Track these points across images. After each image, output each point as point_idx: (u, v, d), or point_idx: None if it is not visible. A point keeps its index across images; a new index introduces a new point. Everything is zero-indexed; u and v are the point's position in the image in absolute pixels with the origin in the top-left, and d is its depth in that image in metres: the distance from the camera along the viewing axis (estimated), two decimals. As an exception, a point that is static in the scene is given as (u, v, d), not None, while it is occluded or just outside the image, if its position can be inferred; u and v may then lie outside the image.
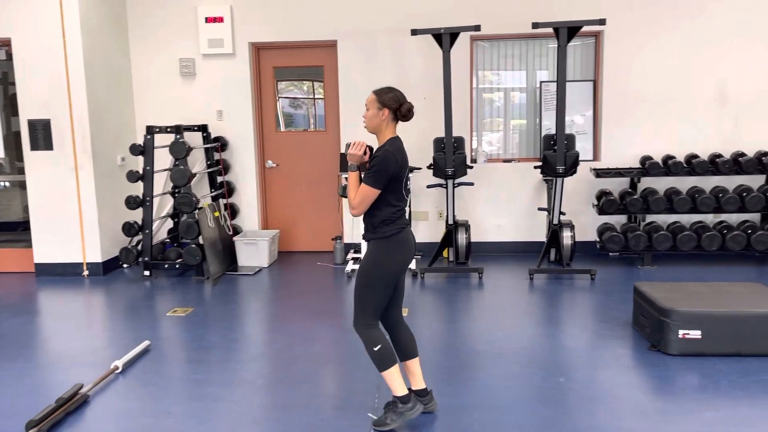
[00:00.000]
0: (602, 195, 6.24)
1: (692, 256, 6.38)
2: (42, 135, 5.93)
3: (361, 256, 6.13)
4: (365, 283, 2.91)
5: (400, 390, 2.96)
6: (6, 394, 3.47)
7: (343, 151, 6.56)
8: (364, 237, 2.96)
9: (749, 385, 3.39)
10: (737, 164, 6.05)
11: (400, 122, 2.97)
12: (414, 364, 3.12)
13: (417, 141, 6.51)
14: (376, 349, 2.90)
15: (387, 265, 2.89)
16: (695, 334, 3.73)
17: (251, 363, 3.85)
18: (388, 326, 3.12)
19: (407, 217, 2.96)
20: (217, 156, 6.67)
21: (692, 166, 6.06)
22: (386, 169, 2.79)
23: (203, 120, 6.72)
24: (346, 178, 2.86)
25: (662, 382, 3.46)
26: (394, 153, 2.82)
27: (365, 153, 2.90)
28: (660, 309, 3.83)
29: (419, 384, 3.12)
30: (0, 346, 4.23)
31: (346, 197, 2.92)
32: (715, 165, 6.07)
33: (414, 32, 5.70)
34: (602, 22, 5.38)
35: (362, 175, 2.87)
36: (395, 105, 2.89)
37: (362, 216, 2.93)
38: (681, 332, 3.74)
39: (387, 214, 2.87)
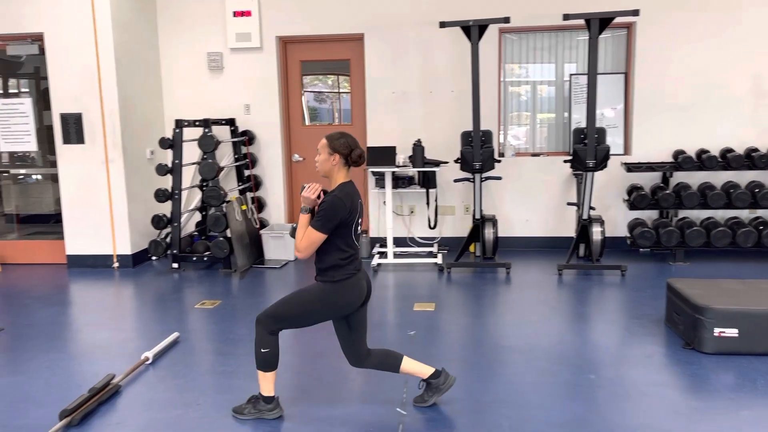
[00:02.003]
0: (633, 190, 6.12)
1: (726, 253, 6.24)
2: (74, 129, 6.02)
3: (387, 250, 6.12)
4: (297, 304, 2.93)
5: (267, 391, 3.04)
6: (39, 384, 3.53)
7: (369, 145, 6.54)
8: (315, 278, 2.99)
9: (788, 385, 3.30)
10: (774, 158, 5.89)
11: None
12: (407, 364, 3.10)
13: (445, 134, 6.46)
14: (263, 350, 2.96)
15: (327, 308, 2.92)
16: (732, 332, 3.64)
17: (284, 356, 3.85)
18: (359, 362, 3.10)
19: (359, 261, 2.97)
20: (244, 150, 6.71)
21: (727, 160, 5.91)
22: (334, 215, 2.81)
23: (231, 114, 6.76)
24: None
25: (697, 380, 3.38)
26: (342, 199, 2.84)
27: (319, 197, 2.93)
28: (695, 306, 3.74)
29: (427, 372, 3.11)
30: (33, 337, 4.31)
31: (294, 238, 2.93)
32: (751, 159, 5.91)
33: (442, 25, 5.65)
34: (636, 12, 5.26)
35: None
36: (346, 151, 2.92)
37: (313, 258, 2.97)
38: (717, 330, 3.65)
39: (335, 260, 2.89)
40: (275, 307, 2.95)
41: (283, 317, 2.94)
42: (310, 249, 2.85)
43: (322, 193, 2.94)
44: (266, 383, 3.03)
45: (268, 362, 2.98)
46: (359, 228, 2.99)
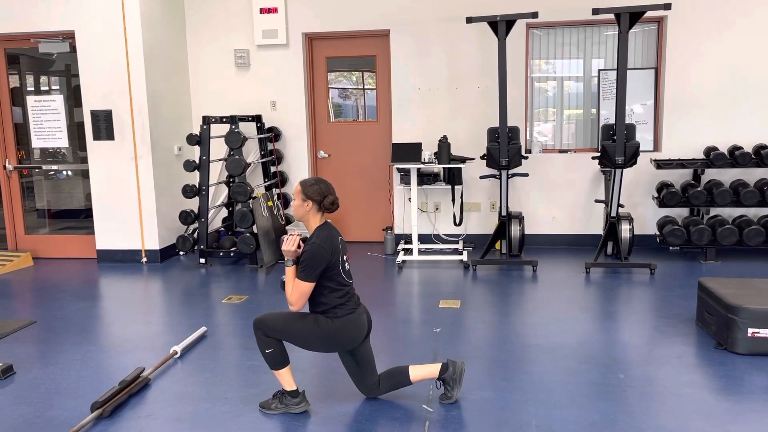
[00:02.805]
0: (663, 187, 6.02)
1: (760, 252, 6.10)
2: (104, 125, 6.11)
3: (412, 247, 6.11)
4: (291, 330, 2.92)
5: (289, 386, 3.05)
6: (72, 376, 3.60)
7: (395, 141, 6.53)
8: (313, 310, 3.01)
9: (825, 387, 3.21)
10: (810, 155, 5.74)
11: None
12: (416, 373, 3.11)
13: (470, 130, 6.42)
14: (267, 351, 2.97)
15: (334, 340, 2.93)
16: (766, 332, 3.56)
17: (305, 352, 3.87)
18: (370, 392, 3.14)
19: (356, 296, 3.03)
20: (270, 146, 6.74)
21: (761, 157, 5.77)
22: (316, 263, 2.84)
23: (257, 110, 6.80)
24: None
25: (729, 381, 3.32)
26: (321, 245, 2.86)
27: (299, 246, 2.94)
28: (727, 306, 3.67)
29: (436, 371, 3.11)
30: (65, 330, 4.40)
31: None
32: (785, 156, 5.77)
33: (469, 20, 5.60)
34: (667, 6, 5.16)
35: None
36: (318, 198, 2.96)
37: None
38: (750, 330, 3.57)
39: (333, 300, 2.92)
40: (273, 316, 2.96)
41: (278, 327, 2.94)
42: (302, 300, 2.89)
43: (300, 242, 2.97)
44: (284, 379, 3.05)
45: (276, 361, 3.00)
46: (347, 264, 3.01)
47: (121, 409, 3.17)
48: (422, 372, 3.12)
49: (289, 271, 2.94)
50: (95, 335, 4.27)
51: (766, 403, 3.06)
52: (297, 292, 2.88)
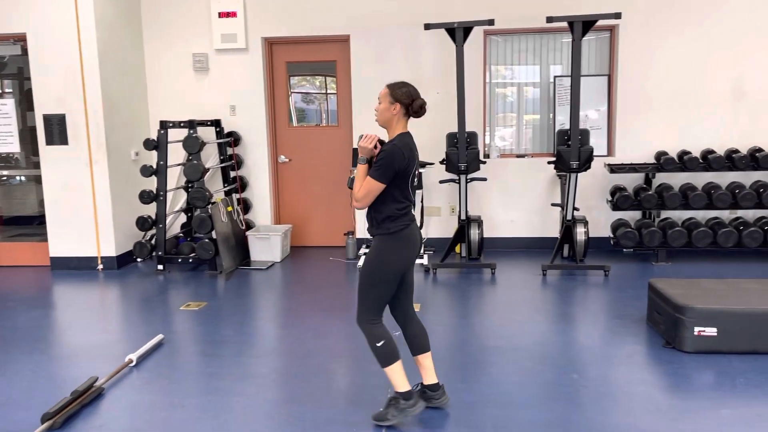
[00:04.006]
0: (616, 191, 6.19)
1: (708, 253, 6.32)
2: (57, 130, 5.97)
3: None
4: (368, 279, 2.90)
5: (403, 386, 2.96)
6: (22, 387, 3.50)
7: (355, 145, 6.55)
8: (369, 232, 2.95)
9: (766, 383, 3.35)
10: (754, 160, 5.97)
11: (412, 117, 2.95)
12: (426, 358, 3.12)
13: (430, 136, 6.49)
14: (378, 344, 2.90)
15: (390, 263, 2.87)
16: (711, 331, 3.70)
17: (264, 357, 3.86)
18: (399, 321, 3.12)
19: (415, 213, 2.93)
20: (230, 151, 6.69)
21: (708, 161, 5.99)
22: (392, 164, 2.77)
23: (216, 115, 6.74)
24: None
25: (677, 379, 3.43)
26: (401, 148, 2.79)
27: (375, 146, 2.87)
28: (675, 306, 3.80)
29: (431, 378, 3.11)
30: (16, 339, 4.28)
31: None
32: (731, 160, 6.00)
33: (427, 27, 5.67)
34: (618, 15, 5.32)
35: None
36: (407, 100, 2.86)
37: (366, 211, 2.92)
38: (696, 329, 3.70)
39: (391, 210, 2.85)
40: (359, 301, 2.93)
41: (368, 302, 2.89)
42: (368, 198, 2.81)
43: (378, 143, 2.89)
44: (396, 378, 2.94)
45: (387, 355, 2.91)
46: (416, 180, 2.93)
47: (73, 420, 3.10)
48: (429, 364, 3.09)
49: (361, 168, 2.86)
50: (47, 345, 4.16)
51: (712, 399, 3.18)
52: (366, 188, 2.80)
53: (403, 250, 2.88)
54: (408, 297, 3.09)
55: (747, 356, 3.69)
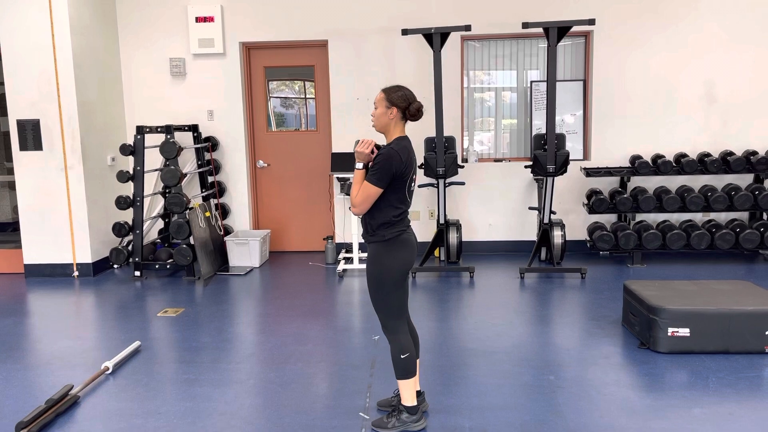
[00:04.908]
0: (592, 194, 6.27)
1: (681, 255, 6.43)
2: (31, 135, 5.89)
3: (353, 255, 6.14)
4: (378, 289, 2.88)
5: (411, 401, 2.96)
6: (-5, 396, 3.45)
7: (334, 150, 6.56)
8: (364, 238, 2.94)
9: (737, 381, 3.42)
10: (726, 163, 6.10)
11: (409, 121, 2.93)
12: (412, 369, 3.11)
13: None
14: (403, 357, 2.90)
15: (393, 267, 2.85)
16: (684, 331, 3.76)
17: (242, 363, 3.84)
18: (405, 321, 3.09)
19: (408, 218, 2.94)
20: (207, 156, 6.65)
21: (681, 165, 6.10)
22: (389, 168, 2.74)
23: (194, 120, 6.70)
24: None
25: (651, 379, 3.49)
26: (399, 152, 2.77)
27: (372, 151, 2.85)
28: (649, 307, 3.86)
29: (409, 398, 3.05)
30: (-11, 348, 4.21)
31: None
32: (703, 164, 6.12)
33: (404, 32, 5.71)
34: (591, 22, 5.40)
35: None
36: (404, 104, 2.84)
37: (362, 217, 2.90)
38: (670, 330, 3.77)
39: (387, 217, 2.83)
40: (378, 312, 2.92)
41: (387, 310, 2.89)
42: (366, 204, 2.79)
43: (375, 148, 2.87)
44: (408, 391, 2.94)
45: (408, 369, 2.91)
46: (413, 185, 2.92)
47: (47, 428, 3.06)
48: (413, 387, 2.98)
49: (358, 173, 2.83)
50: (21, 353, 4.10)
51: (685, 399, 3.24)
52: (363, 194, 2.77)
53: (400, 252, 2.86)
54: (406, 299, 3.07)
55: (719, 356, 3.77)
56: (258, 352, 4.04)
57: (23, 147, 5.93)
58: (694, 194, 6.00)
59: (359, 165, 2.85)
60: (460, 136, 6.60)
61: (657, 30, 6.30)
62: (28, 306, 5.21)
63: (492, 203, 6.65)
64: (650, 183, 6.43)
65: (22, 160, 5.96)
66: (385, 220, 2.83)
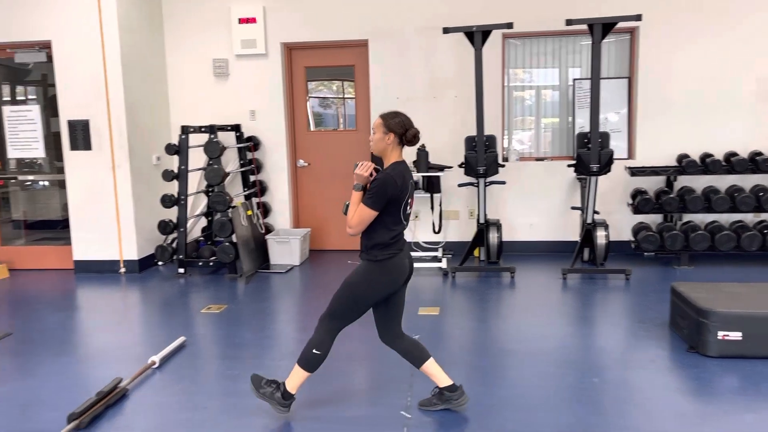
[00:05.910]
0: (637, 194, 6.13)
1: (731, 257, 6.24)
2: (81, 135, 6.08)
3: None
4: (347, 293, 2.98)
5: (293, 388, 3.07)
6: (49, 388, 3.57)
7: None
8: (360, 255, 3.02)
9: (792, 388, 3.30)
10: (778, 162, 5.89)
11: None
12: (431, 365, 3.14)
13: (448, 139, 6.49)
14: (315, 352, 3.01)
15: (372, 288, 2.95)
16: (735, 335, 3.65)
17: (284, 360, 3.88)
18: (389, 340, 3.14)
19: (403, 240, 3.03)
20: (249, 155, 6.75)
21: (731, 164, 5.91)
22: (384, 192, 2.83)
23: (236, 120, 6.80)
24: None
25: (701, 383, 3.39)
26: (394, 177, 2.86)
27: (371, 174, 2.95)
28: (699, 310, 3.75)
29: (445, 381, 3.13)
30: (43, 341, 4.35)
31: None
32: (755, 163, 5.92)
33: (446, 30, 5.68)
34: (638, 17, 5.28)
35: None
36: (401, 130, 2.94)
37: (360, 235, 2.99)
38: (720, 333, 3.66)
39: (382, 238, 2.92)
40: (331, 305, 3.01)
41: (338, 312, 2.98)
42: (361, 226, 2.89)
43: (374, 171, 2.96)
44: (297, 380, 3.06)
45: (312, 364, 3.03)
46: (409, 208, 3.00)
47: (98, 420, 3.15)
48: (435, 371, 3.14)
49: (355, 195, 2.94)
50: (72, 346, 4.23)
51: (737, 405, 3.14)
52: (359, 216, 2.88)
53: (387, 277, 2.95)
54: (395, 320, 3.12)
55: (772, 361, 3.64)
56: (298, 349, 4.06)
57: (74, 147, 6.11)
58: (745, 194, 5.81)
59: (357, 187, 2.95)
60: (500, 134, 6.54)
61: (705, 24, 6.13)
62: (77, 301, 5.37)
63: (533, 203, 6.56)
64: (698, 183, 6.25)
65: (72, 160, 6.15)
66: (379, 241, 2.92)
